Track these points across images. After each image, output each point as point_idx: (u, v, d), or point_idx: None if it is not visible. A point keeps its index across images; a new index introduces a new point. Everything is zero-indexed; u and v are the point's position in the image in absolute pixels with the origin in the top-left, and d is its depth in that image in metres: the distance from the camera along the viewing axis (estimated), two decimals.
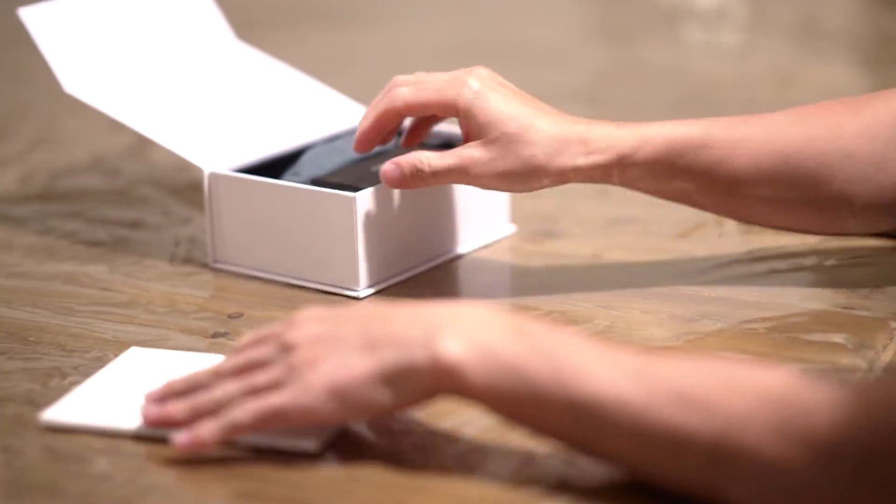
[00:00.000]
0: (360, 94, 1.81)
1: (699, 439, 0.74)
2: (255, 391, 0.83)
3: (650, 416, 0.75)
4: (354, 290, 1.11)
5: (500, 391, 0.79)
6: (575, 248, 1.20)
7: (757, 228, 1.23)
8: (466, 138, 1.07)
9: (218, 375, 0.86)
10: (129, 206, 1.35)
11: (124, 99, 1.14)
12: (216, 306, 1.11)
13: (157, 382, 0.91)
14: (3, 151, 1.56)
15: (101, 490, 0.84)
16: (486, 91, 1.05)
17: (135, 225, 1.31)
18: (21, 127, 1.59)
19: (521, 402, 0.79)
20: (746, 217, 1.09)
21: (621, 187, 1.08)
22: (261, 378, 0.83)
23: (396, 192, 1.12)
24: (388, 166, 1.06)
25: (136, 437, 0.88)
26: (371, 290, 1.12)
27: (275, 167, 1.20)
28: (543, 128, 1.03)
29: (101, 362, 1.00)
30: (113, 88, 1.14)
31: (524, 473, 0.84)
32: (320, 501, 0.83)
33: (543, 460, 0.85)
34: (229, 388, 0.84)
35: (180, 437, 0.84)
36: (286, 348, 0.83)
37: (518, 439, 0.88)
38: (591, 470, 0.83)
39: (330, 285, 1.12)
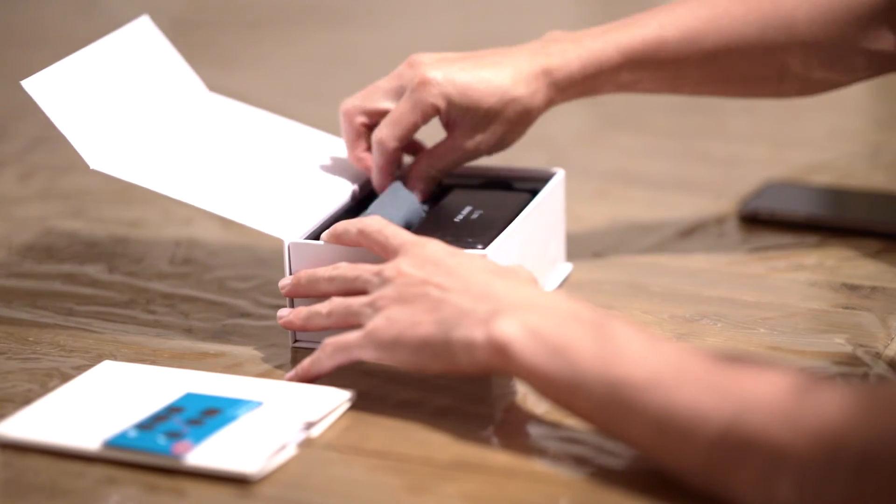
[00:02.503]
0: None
1: (713, 420, 0.76)
2: (348, 315, 0.93)
3: (674, 395, 0.78)
4: None
5: (545, 370, 0.82)
6: (575, 249, 1.20)
7: (757, 228, 1.23)
8: (449, 126, 1.09)
9: (331, 281, 0.95)
10: (129, 206, 1.35)
11: (163, 170, 1.04)
12: (216, 306, 1.11)
13: (125, 399, 0.91)
14: (3, 151, 1.56)
15: (102, 490, 0.84)
16: (452, 76, 1.07)
17: (135, 225, 1.31)
18: (21, 127, 1.59)
19: (561, 381, 0.82)
20: (723, 94, 1.15)
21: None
22: (354, 306, 0.92)
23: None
24: None
25: (94, 458, 0.87)
26: None
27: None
28: (505, 84, 1.07)
29: (100, 362, 0.99)
30: (147, 161, 1.05)
31: (524, 474, 0.84)
32: (320, 501, 0.83)
33: (543, 462, 0.85)
34: (334, 303, 0.94)
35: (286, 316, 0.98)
36: (384, 281, 0.91)
37: (518, 440, 0.88)
38: (585, 478, 0.83)
39: None
